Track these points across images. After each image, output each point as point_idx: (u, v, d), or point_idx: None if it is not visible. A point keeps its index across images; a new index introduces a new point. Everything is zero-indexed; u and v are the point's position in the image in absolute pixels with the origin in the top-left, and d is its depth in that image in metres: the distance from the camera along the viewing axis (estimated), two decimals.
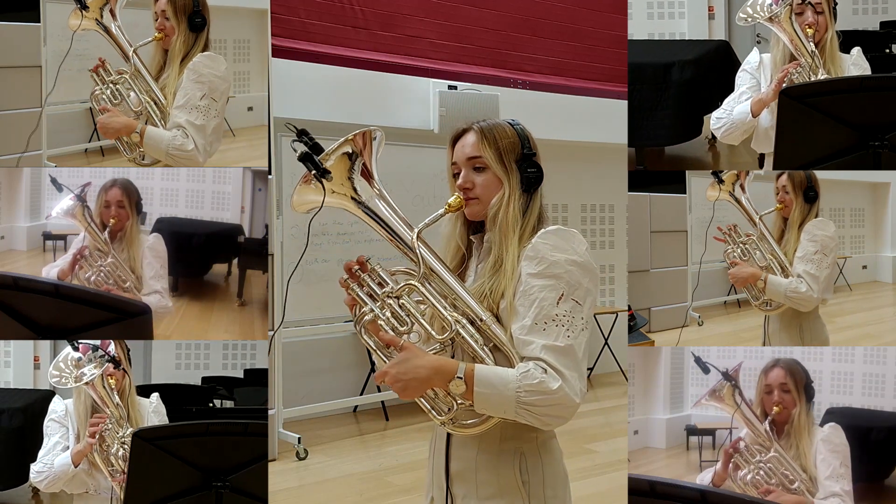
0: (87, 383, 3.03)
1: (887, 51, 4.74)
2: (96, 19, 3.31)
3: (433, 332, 1.92)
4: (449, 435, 1.97)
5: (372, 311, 1.92)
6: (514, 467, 1.93)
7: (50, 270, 3.60)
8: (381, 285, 1.95)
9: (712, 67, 4.42)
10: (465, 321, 1.91)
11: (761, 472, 3.18)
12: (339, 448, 5.37)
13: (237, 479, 2.88)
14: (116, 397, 3.08)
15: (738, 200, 3.68)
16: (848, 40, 3.34)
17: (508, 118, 2.06)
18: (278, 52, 5.25)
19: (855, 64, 3.25)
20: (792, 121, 2.96)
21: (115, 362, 3.07)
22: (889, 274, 5.83)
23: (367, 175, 2.00)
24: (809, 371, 3.24)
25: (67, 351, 3.08)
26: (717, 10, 5.14)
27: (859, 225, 6.02)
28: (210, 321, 4.19)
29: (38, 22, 4.02)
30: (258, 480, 2.93)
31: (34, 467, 3.12)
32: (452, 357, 1.93)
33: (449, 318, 1.90)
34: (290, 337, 5.50)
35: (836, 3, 3.24)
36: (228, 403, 4.75)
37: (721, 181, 3.68)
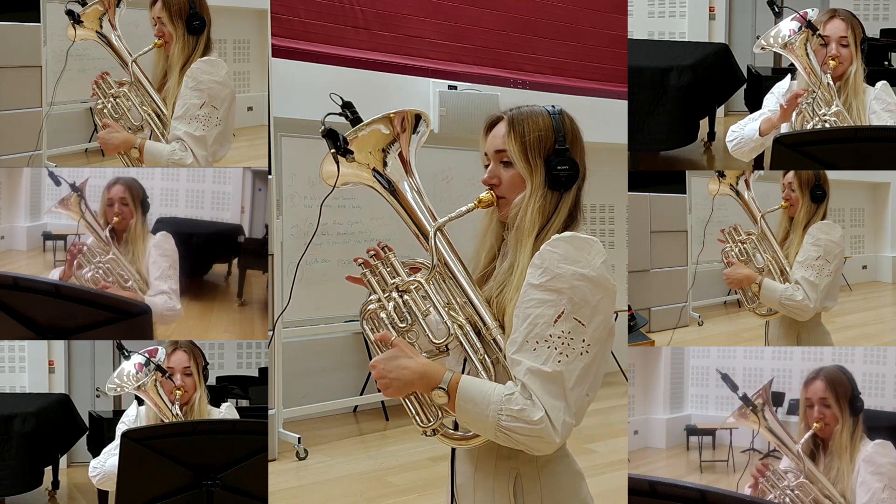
0: (137, 388, 3.08)
1: (886, 63, 4.56)
2: (96, 30, 3.21)
3: (432, 335, 1.79)
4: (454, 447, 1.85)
5: (379, 300, 1.83)
6: (508, 489, 1.79)
7: (53, 273, 3.56)
8: (392, 276, 1.85)
9: (710, 72, 4.41)
10: (469, 328, 1.78)
11: (787, 500, 2.93)
12: (339, 448, 5.36)
13: (228, 476, 2.87)
14: (177, 408, 3.10)
15: (739, 195, 3.50)
16: None
17: (549, 105, 1.86)
18: (278, 52, 5.25)
19: (877, 98, 3.15)
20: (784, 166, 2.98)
21: (161, 370, 3.09)
22: (889, 274, 5.83)
23: (403, 160, 1.95)
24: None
25: (127, 367, 3.12)
26: (717, 11, 5.13)
27: (859, 225, 6.02)
28: (210, 321, 4.19)
29: (38, 22, 4.03)
30: (251, 478, 2.92)
31: (93, 462, 3.20)
32: (464, 365, 1.80)
33: (448, 323, 1.77)
34: (290, 337, 5.50)
35: (864, 39, 3.16)
36: (244, 402, 4.73)
37: (723, 176, 3.53)
